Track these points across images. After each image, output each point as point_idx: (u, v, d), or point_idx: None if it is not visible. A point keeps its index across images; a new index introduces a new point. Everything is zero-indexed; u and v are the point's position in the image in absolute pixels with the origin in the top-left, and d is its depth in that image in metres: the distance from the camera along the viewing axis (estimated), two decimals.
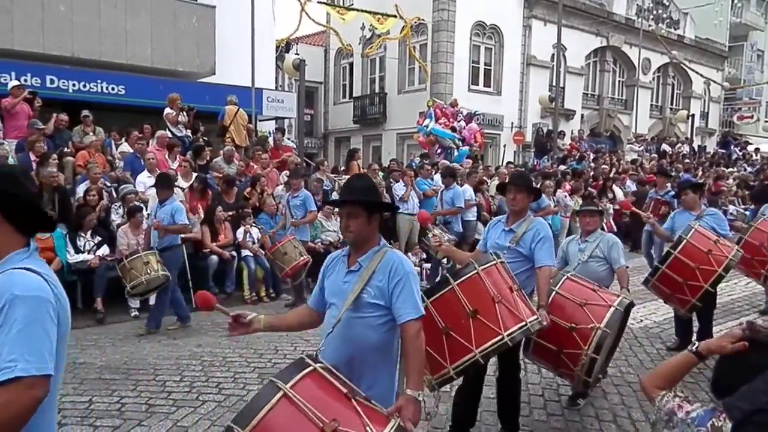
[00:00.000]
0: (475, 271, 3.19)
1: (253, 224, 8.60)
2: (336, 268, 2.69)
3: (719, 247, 5.15)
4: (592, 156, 18.23)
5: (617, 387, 5.00)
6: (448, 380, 3.15)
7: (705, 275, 5.01)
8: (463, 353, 3.02)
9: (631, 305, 4.15)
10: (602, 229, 12.45)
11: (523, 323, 3.11)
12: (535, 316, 3.25)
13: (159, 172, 8.04)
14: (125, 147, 9.97)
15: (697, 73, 26.21)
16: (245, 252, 8.34)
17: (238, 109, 11.59)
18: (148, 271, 6.34)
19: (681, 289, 5.12)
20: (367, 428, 1.93)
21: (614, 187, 14.04)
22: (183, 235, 7.68)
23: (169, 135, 10.20)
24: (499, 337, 3.01)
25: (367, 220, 2.55)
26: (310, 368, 2.08)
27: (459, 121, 15.69)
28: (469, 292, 3.13)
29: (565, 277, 4.10)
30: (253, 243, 8.37)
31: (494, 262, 3.34)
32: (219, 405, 4.53)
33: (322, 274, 2.75)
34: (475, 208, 10.44)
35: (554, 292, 3.89)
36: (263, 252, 8.32)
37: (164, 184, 6.81)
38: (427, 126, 15.28)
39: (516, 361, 3.87)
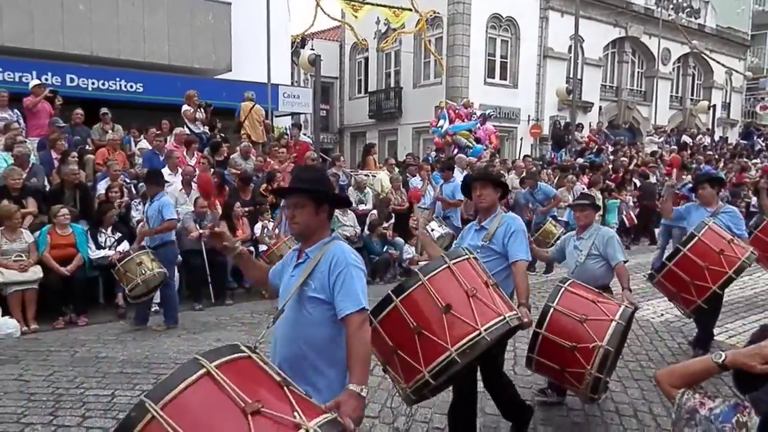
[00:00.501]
0: (446, 264, 3.01)
1: (271, 219, 8.64)
2: (289, 263, 2.64)
3: (732, 248, 4.88)
4: (610, 148, 18.03)
5: (638, 381, 4.95)
6: (425, 386, 2.84)
7: (714, 276, 4.77)
8: (438, 353, 2.78)
9: (634, 311, 4.01)
10: (622, 222, 12.31)
11: (502, 317, 2.89)
12: (514, 311, 3.06)
13: (150, 169, 7.85)
14: (144, 144, 10.10)
15: (718, 62, 25.71)
16: (263, 247, 8.39)
17: (253, 105, 11.66)
18: (143, 272, 6.27)
19: (687, 289, 4.89)
20: (296, 413, 1.76)
21: (634, 179, 13.90)
22: (201, 231, 7.76)
23: (187, 132, 10.31)
24: (476, 333, 2.79)
25: (314, 211, 2.49)
26: (244, 354, 1.92)
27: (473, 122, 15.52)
28: (441, 286, 2.93)
29: (563, 289, 3.91)
30: (270, 238, 8.40)
31: (467, 256, 3.17)
32: None
33: (282, 265, 2.77)
34: None
35: (552, 309, 3.76)
36: None
37: (153, 180, 6.71)
38: (441, 127, 15.10)
39: (495, 366, 3.76)
